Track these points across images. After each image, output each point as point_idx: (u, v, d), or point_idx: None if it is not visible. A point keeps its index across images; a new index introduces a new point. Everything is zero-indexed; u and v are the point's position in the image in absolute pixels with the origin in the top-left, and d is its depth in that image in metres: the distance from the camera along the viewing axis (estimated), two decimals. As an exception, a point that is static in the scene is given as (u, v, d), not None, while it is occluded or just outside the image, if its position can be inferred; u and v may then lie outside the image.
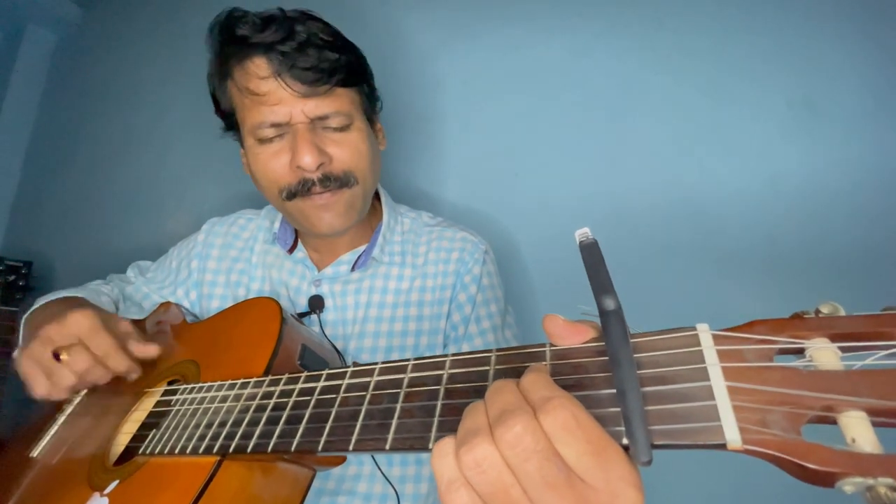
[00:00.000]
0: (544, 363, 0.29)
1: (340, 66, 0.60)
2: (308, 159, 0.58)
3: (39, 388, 0.52)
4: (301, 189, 0.61)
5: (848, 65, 0.69)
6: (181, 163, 1.31)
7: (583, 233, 0.28)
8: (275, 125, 0.59)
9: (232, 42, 0.61)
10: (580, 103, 0.86)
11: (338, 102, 0.61)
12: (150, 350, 0.57)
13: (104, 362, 0.53)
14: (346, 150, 0.62)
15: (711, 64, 0.77)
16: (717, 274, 0.72)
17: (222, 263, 0.74)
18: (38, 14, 1.69)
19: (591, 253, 0.27)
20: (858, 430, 0.20)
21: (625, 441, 0.23)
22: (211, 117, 1.27)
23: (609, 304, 0.25)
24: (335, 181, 0.61)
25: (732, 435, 0.21)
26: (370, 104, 0.69)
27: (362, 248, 0.71)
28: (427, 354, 0.64)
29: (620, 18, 0.85)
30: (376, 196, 0.77)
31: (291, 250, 0.72)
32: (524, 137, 0.90)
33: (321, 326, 0.65)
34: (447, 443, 0.26)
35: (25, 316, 0.68)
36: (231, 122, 0.67)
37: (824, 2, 0.71)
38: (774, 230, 0.70)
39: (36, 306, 0.69)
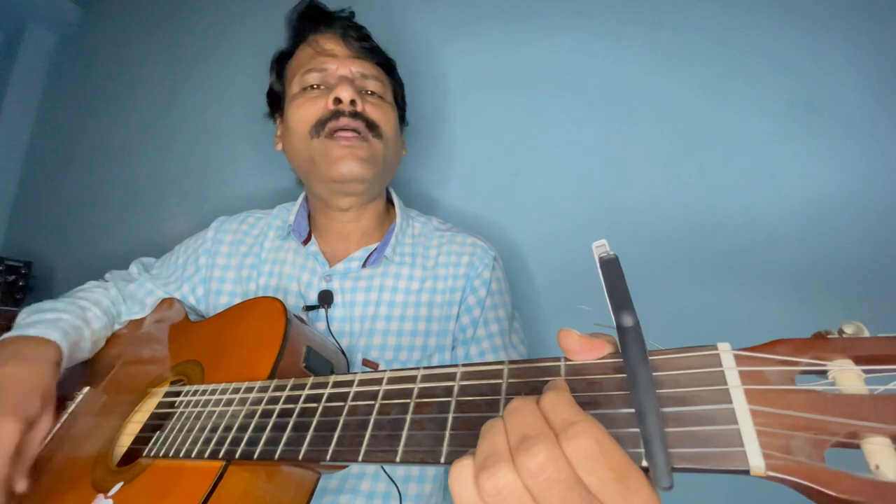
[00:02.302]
0: (562, 379, 0.29)
1: (383, 52, 0.76)
2: (346, 94, 0.66)
3: None
4: (331, 118, 0.66)
5: (848, 65, 0.68)
6: (181, 163, 1.30)
7: (600, 244, 0.28)
8: (322, 70, 0.70)
9: (314, 16, 0.74)
10: (580, 103, 0.86)
11: (377, 73, 0.73)
12: (18, 486, 0.51)
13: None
14: (379, 111, 0.70)
15: (711, 64, 0.77)
16: (715, 272, 0.72)
17: (232, 259, 0.74)
18: (38, 14, 1.68)
19: (610, 268, 0.26)
20: (883, 458, 0.19)
21: (644, 464, 0.23)
22: (211, 118, 1.27)
23: (627, 320, 0.25)
24: (363, 121, 0.67)
25: (756, 461, 0.21)
26: (400, 110, 0.78)
27: (374, 245, 0.72)
28: (436, 356, 0.66)
29: (620, 18, 0.84)
30: (390, 200, 0.80)
31: (305, 243, 0.73)
32: (524, 137, 0.90)
33: (328, 322, 0.66)
34: (466, 465, 0.25)
35: None
36: (278, 103, 0.76)
37: (824, 2, 0.71)
38: (773, 229, 0.70)
39: (13, 334, 0.61)
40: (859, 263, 0.65)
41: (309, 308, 0.67)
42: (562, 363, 0.29)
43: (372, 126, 0.67)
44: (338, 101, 0.66)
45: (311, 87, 0.70)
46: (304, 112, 0.68)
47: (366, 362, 0.64)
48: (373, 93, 0.71)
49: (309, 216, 0.78)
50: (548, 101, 0.89)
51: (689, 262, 0.74)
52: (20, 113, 1.68)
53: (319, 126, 0.66)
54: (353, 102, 0.66)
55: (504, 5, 0.94)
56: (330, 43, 0.71)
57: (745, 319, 0.68)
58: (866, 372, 0.21)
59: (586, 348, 0.28)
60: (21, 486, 0.50)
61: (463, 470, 0.25)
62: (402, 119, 0.80)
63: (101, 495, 0.46)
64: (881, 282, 0.63)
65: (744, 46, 0.75)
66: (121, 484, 0.46)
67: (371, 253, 0.71)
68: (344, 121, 0.65)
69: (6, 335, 0.61)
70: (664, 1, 0.81)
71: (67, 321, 0.64)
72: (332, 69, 0.69)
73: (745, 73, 0.74)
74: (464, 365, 0.33)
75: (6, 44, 1.73)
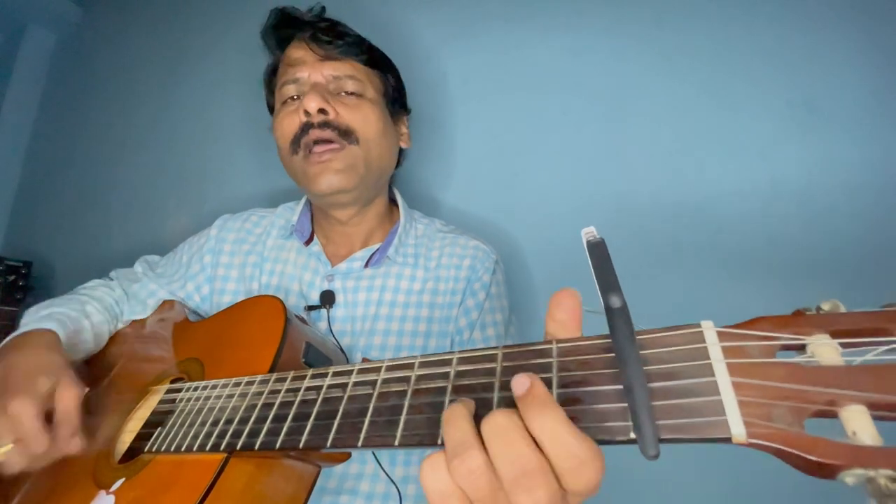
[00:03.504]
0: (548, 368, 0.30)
1: (358, 44, 0.71)
2: (312, 104, 0.64)
3: None
4: (302, 133, 0.66)
5: (848, 65, 0.69)
6: (181, 163, 1.30)
7: (589, 231, 0.29)
8: (295, 81, 0.68)
9: (282, 25, 0.73)
10: (580, 103, 0.86)
11: (353, 70, 0.70)
12: (73, 446, 0.51)
13: (37, 462, 0.50)
14: (354, 112, 0.67)
15: (711, 64, 0.77)
16: (717, 273, 0.73)
17: (235, 258, 0.75)
18: (38, 14, 1.68)
19: (597, 251, 0.27)
20: (859, 424, 0.20)
21: (632, 435, 0.24)
22: (211, 118, 1.28)
23: (615, 301, 0.26)
24: (334, 130, 0.65)
25: (738, 429, 0.22)
26: (394, 98, 0.76)
27: (377, 245, 0.72)
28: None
29: (620, 18, 0.85)
30: (394, 201, 0.80)
31: (308, 243, 0.74)
32: (525, 137, 0.90)
33: (329, 322, 0.66)
34: (438, 458, 0.27)
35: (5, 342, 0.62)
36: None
37: (824, 2, 0.71)
38: (773, 229, 0.70)
39: (11, 336, 0.62)
40: (858, 263, 0.65)
41: (311, 308, 0.67)
42: (554, 345, 0.30)
43: (346, 133, 0.66)
44: (308, 112, 0.65)
45: (291, 98, 0.69)
46: (282, 128, 0.68)
47: (365, 362, 0.64)
48: (351, 93, 0.69)
49: (312, 217, 0.78)
50: (548, 101, 0.89)
51: (688, 263, 0.75)
52: (20, 113, 1.68)
53: (295, 143, 0.67)
54: (322, 111, 0.65)
55: (504, 5, 0.95)
56: (299, 51, 0.70)
57: (745, 316, 0.68)
58: (843, 346, 0.23)
59: (575, 319, 0.30)
60: (74, 446, 0.50)
61: (436, 462, 0.27)
62: (403, 107, 0.79)
63: (102, 491, 0.47)
64: (880, 282, 0.63)
65: (744, 46, 0.75)
66: (122, 479, 0.46)
67: (374, 253, 0.71)
68: (314, 133, 0.65)
69: (5, 340, 0.61)
70: (664, 0, 0.82)
71: (63, 313, 0.65)
72: (305, 77, 0.68)
73: (745, 73, 0.75)
74: (460, 351, 0.34)
75: (6, 44, 1.74)
